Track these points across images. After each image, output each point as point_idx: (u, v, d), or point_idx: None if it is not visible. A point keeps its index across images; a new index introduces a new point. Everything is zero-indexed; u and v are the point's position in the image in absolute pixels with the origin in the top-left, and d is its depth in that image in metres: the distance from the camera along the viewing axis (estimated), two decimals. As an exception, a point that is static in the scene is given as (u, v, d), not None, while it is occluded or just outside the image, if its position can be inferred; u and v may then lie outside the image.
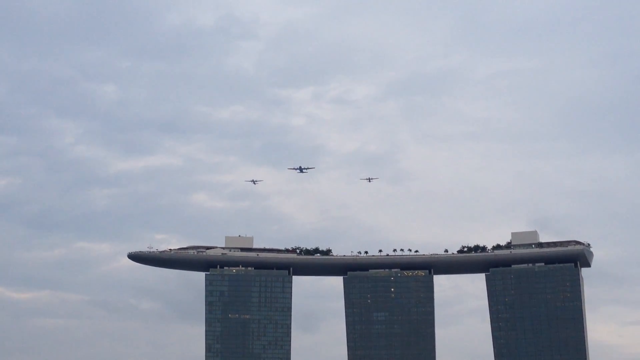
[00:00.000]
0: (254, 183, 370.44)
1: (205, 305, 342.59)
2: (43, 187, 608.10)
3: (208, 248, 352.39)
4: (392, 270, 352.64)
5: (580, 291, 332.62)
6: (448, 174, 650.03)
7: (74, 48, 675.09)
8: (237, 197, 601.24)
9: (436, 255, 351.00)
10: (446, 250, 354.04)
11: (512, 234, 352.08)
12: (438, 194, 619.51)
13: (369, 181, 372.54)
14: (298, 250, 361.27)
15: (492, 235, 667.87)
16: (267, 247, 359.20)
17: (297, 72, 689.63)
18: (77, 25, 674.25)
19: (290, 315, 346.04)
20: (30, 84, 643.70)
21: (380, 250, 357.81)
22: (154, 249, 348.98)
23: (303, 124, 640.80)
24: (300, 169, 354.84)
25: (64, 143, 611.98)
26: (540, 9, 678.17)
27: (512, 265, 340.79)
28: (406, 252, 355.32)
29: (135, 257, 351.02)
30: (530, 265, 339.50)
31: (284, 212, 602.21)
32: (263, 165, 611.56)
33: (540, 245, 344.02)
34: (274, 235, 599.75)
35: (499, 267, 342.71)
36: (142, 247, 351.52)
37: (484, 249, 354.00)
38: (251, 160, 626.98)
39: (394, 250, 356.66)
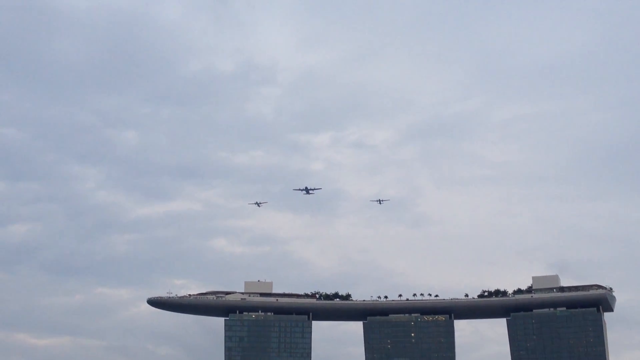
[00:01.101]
0: (258, 205, 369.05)
1: (225, 350, 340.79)
2: (64, 233, 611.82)
3: (227, 293, 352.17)
4: (413, 315, 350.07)
5: (603, 336, 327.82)
6: (467, 218, 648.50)
7: (94, 95, 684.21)
8: (256, 242, 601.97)
9: (456, 300, 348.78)
10: (466, 295, 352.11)
11: (533, 278, 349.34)
12: (458, 238, 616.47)
13: (380, 203, 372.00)
14: (317, 295, 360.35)
15: (513, 279, 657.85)
16: (287, 292, 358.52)
17: (316, 117, 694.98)
18: (98, 72, 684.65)
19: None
20: (52, 130, 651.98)
21: (400, 295, 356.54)
22: (173, 295, 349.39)
23: (322, 169, 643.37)
24: (307, 190, 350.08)
25: (85, 189, 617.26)
26: (556, 53, 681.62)
27: (534, 310, 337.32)
28: (426, 297, 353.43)
29: (155, 302, 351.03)
30: (552, 309, 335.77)
31: (303, 257, 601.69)
32: (282, 210, 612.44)
33: (561, 289, 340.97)
34: (293, 280, 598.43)
35: (520, 311, 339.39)
36: (161, 292, 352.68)
37: (504, 293, 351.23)
38: (271, 205, 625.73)
39: (414, 294, 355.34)
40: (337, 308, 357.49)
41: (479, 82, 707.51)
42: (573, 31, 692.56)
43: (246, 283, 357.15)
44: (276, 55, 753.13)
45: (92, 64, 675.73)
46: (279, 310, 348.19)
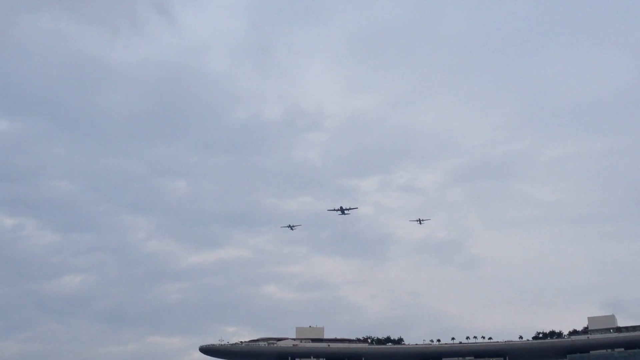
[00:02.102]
0: (291, 229, 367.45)
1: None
2: (116, 283, 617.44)
3: (279, 339, 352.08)
4: (466, 358, 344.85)
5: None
6: (519, 259, 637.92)
7: (144, 146, 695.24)
8: (307, 287, 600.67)
9: (511, 342, 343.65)
10: (521, 337, 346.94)
11: (589, 318, 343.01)
12: (510, 279, 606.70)
13: (420, 223, 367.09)
14: (369, 340, 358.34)
15: (568, 320, 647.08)
16: (338, 337, 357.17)
17: (363, 161, 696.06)
18: (147, 123, 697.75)
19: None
20: (103, 182, 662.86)
21: (453, 338, 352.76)
22: (225, 342, 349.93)
23: (371, 213, 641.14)
24: (342, 211, 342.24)
25: (136, 238, 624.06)
26: (602, 90, 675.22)
27: (591, 351, 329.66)
28: (480, 340, 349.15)
29: (207, 350, 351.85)
30: (610, 350, 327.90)
31: (354, 302, 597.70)
32: (332, 256, 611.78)
33: (618, 329, 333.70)
34: (344, 325, 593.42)
35: (577, 353, 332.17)
36: (213, 340, 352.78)
37: (560, 334, 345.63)
38: (320, 251, 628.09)
39: (467, 337, 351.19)
40: (390, 352, 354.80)
41: (525, 121, 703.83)
42: (618, 68, 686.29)
43: (297, 329, 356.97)
44: (322, 101, 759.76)
45: (142, 116, 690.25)
46: (331, 356, 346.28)
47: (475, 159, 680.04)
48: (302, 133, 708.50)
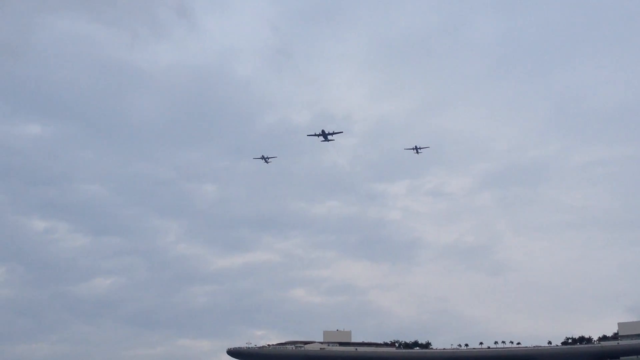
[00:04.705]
0: (266, 161, 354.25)
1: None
2: (146, 286, 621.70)
3: (306, 343, 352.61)
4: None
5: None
6: (548, 264, 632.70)
7: (174, 150, 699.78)
8: (334, 291, 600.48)
9: (540, 348, 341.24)
10: (550, 342, 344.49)
11: (619, 324, 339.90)
12: (538, 285, 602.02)
13: (417, 152, 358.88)
14: (397, 344, 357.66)
15: (597, 325, 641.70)
16: (366, 341, 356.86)
17: (392, 166, 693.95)
18: (177, 128, 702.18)
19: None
20: (134, 186, 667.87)
21: (481, 343, 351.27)
22: (252, 345, 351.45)
23: (399, 218, 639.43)
24: (325, 136, 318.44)
25: (165, 242, 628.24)
26: (634, 94, 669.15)
27: (621, 357, 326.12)
28: (508, 345, 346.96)
29: (235, 353, 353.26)
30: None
31: (381, 306, 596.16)
32: (360, 260, 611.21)
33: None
34: (372, 329, 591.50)
35: (607, 358, 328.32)
36: (241, 343, 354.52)
37: (589, 340, 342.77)
38: (348, 255, 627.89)
39: (495, 342, 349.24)
40: (417, 357, 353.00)
41: (554, 127, 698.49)
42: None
43: (325, 332, 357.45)
44: (350, 106, 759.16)
45: (171, 120, 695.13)
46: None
47: (504, 164, 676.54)
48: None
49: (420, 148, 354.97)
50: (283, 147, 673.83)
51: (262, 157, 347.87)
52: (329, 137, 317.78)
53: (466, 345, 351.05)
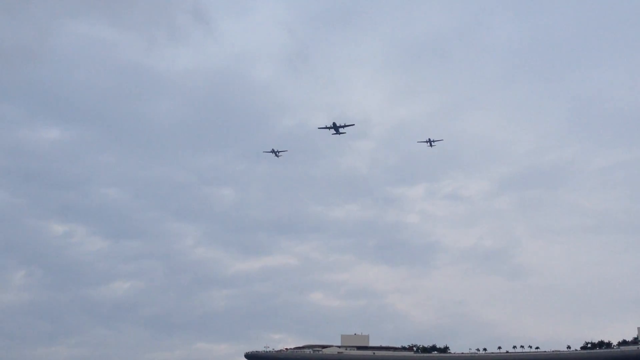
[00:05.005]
0: (276, 155, 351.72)
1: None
2: (164, 289, 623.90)
3: (324, 347, 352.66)
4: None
5: None
6: (567, 268, 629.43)
7: (192, 154, 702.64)
8: (352, 295, 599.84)
9: (559, 352, 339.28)
10: (569, 347, 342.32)
11: (639, 328, 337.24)
12: (557, 289, 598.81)
13: (430, 145, 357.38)
14: (415, 348, 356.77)
15: (617, 330, 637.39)
16: (384, 345, 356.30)
17: (410, 169, 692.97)
18: (195, 132, 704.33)
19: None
20: (152, 189, 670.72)
21: (499, 347, 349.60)
22: (270, 349, 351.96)
23: (417, 222, 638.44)
24: (337, 129, 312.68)
25: (184, 245, 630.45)
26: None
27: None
28: (527, 349, 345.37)
29: (252, 356, 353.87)
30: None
31: (399, 310, 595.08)
32: (378, 264, 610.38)
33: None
34: (390, 333, 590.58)
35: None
36: (258, 346, 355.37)
37: (609, 344, 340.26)
38: (366, 259, 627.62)
39: (514, 347, 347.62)
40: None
41: (573, 130, 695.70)
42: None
43: (343, 336, 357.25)
44: (368, 109, 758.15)
45: (189, 124, 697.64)
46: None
47: (522, 167, 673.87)
48: (348, 141, 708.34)
49: (434, 141, 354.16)
50: (301, 150, 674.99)
51: (273, 151, 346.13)
52: (341, 129, 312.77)
53: (484, 349, 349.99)
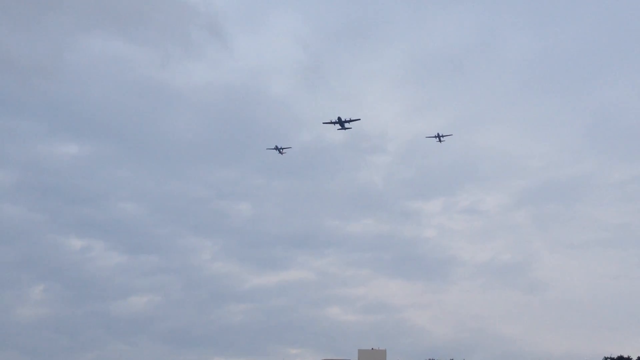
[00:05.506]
0: (280, 152, 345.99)
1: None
2: (181, 304, 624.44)
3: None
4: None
5: None
6: (585, 283, 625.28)
7: (209, 168, 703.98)
8: (370, 310, 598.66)
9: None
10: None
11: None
12: (575, 303, 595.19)
13: (440, 141, 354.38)
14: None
15: (636, 345, 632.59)
16: (401, 359, 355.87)
17: (427, 183, 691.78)
18: (212, 146, 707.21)
19: None
20: (169, 204, 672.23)
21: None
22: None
23: (434, 236, 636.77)
24: (342, 124, 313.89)
25: (201, 260, 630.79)
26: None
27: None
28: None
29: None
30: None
31: (417, 324, 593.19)
32: (395, 278, 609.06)
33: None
34: (407, 348, 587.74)
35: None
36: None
37: (628, 359, 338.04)
38: (383, 273, 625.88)
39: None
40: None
41: (590, 143, 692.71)
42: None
43: (360, 351, 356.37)
44: (384, 123, 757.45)
45: (206, 139, 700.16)
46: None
47: (540, 181, 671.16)
48: (365, 155, 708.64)
49: (443, 136, 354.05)
50: (317, 165, 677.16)
51: (276, 148, 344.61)
52: (346, 124, 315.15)
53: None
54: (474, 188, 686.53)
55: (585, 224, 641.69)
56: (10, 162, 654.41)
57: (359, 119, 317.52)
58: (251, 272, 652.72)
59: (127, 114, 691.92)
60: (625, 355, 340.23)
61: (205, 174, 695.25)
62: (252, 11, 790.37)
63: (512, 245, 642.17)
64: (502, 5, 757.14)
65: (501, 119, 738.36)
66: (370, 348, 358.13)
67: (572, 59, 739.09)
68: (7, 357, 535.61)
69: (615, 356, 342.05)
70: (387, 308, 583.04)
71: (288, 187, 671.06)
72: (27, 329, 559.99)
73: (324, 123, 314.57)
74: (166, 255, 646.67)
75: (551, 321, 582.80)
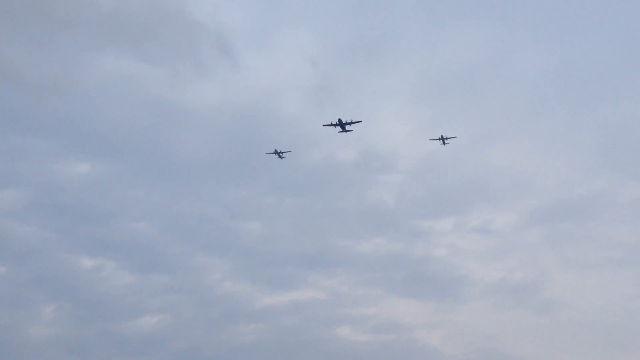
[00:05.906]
0: (280, 156, 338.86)
1: None
2: (192, 323, 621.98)
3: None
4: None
5: None
6: (598, 302, 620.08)
7: (220, 187, 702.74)
8: (381, 330, 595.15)
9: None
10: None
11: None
12: (588, 323, 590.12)
13: (444, 143, 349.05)
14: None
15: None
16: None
17: (438, 202, 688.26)
18: (222, 166, 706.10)
19: None
20: (180, 223, 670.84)
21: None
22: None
23: (445, 255, 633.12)
24: (342, 126, 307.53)
25: (212, 279, 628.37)
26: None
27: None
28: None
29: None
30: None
31: (428, 344, 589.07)
32: (406, 298, 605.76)
33: None
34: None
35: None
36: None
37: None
38: (394, 293, 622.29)
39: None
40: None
41: (603, 161, 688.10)
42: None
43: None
44: (395, 142, 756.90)
45: (217, 158, 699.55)
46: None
47: (551, 200, 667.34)
48: (376, 175, 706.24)
49: (447, 138, 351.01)
50: (328, 184, 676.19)
51: (275, 152, 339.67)
52: (347, 127, 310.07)
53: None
54: (485, 207, 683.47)
55: (598, 243, 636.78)
56: (21, 181, 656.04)
57: (360, 121, 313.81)
58: (262, 291, 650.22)
59: (138, 133, 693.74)
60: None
61: (216, 193, 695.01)
62: (262, 30, 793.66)
63: (524, 265, 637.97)
64: (513, 23, 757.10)
65: (512, 137, 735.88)
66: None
67: (584, 76, 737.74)
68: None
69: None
70: (398, 328, 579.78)
71: (299, 207, 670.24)
72: (37, 349, 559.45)
73: (324, 125, 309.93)
74: (177, 275, 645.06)
75: (563, 342, 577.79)
